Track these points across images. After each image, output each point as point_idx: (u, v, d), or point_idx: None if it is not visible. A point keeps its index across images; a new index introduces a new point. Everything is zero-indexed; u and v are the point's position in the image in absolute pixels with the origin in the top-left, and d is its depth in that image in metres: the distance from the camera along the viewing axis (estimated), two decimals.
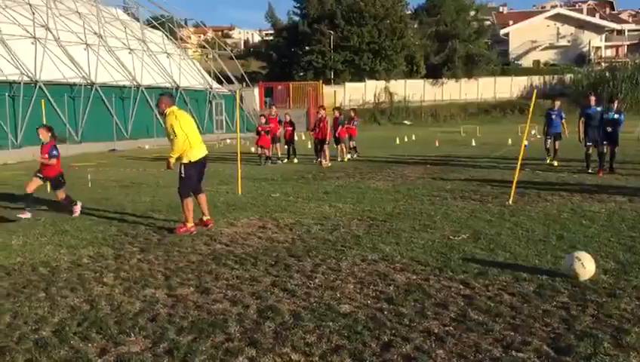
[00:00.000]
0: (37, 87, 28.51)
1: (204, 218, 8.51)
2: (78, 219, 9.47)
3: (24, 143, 26.78)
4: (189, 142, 8.08)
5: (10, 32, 29.91)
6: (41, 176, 9.99)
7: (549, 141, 16.49)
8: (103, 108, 32.59)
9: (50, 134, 9.95)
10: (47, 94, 28.01)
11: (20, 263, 6.74)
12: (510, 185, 10.37)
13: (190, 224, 8.21)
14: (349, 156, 19.88)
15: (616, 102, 14.33)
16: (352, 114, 21.30)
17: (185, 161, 8.15)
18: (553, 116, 16.40)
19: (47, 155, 9.81)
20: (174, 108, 8.25)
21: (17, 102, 27.59)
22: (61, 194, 10.01)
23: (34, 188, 9.89)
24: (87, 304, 5.22)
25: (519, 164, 10.48)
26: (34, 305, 5.23)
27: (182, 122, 8.09)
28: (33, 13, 31.41)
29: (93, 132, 31.14)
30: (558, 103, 16.93)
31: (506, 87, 61.53)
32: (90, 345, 4.31)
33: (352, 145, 20.49)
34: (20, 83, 27.93)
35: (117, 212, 10.03)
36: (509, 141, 25.28)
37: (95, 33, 35.10)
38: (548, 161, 16.15)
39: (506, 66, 69.25)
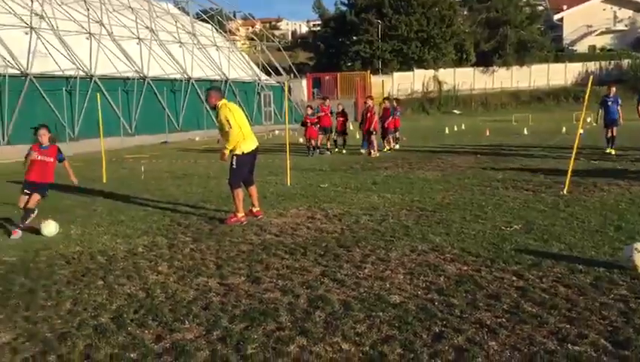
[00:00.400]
0: (92, 81, 29.38)
1: (254, 209, 8.61)
2: (133, 209, 9.73)
3: (80, 136, 27.69)
4: (243, 133, 8.22)
5: (66, 29, 30.88)
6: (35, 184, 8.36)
7: (609, 131, 15.90)
8: (155, 101, 33.37)
9: (50, 135, 8.52)
10: (102, 88, 28.85)
11: (79, 252, 6.98)
12: (564, 174, 10.10)
13: (241, 214, 8.33)
14: (397, 146, 19.75)
15: None
16: (395, 104, 20.95)
17: (237, 152, 8.26)
18: (609, 103, 15.84)
19: (55, 159, 8.48)
20: (225, 100, 8.38)
21: (74, 97, 28.52)
22: (35, 203, 8.30)
23: (35, 202, 8.34)
24: (142, 292, 5.37)
25: (574, 152, 10.17)
26: (93, 292, 5.42)
27: (235, 114, 8.22)
28: (88, 10, 32.35)
29: (145, 124, 31.93)
30: (613, 90, 16.30)
31: (559, 74, 59.75)
32: (146, 331, 4.43)
33: (397, 136, 20.33)
34: (76, 77, 28.84)
35: (170, 202, 10.26)
36: (563, 129, 24.60)
37: (147, 27, 35.89)
38: (607, 151, 15.59)
39: (560, 52, 67.14)
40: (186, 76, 36.06)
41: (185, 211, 9.37)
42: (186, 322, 4.57)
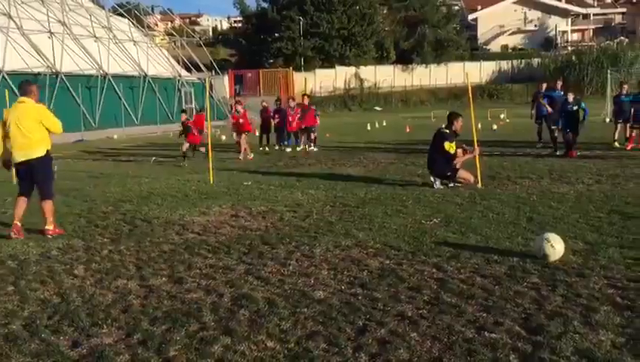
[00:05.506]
0: (0, 77, 27.81)
1: (45, 226, 7.55)
2: None
3: None
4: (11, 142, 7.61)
5: None
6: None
7: (539, 126, 16.83)
8: (69, 98, 31.95)
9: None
10: (11, 84, 27.33)
11: None
12: (481, 169, 10.49)
13: (15, 221, 7.50)
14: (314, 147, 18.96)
15: (570, 95, 14.36)
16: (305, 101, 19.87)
17: None
18: (541, 98, 16.86)
19: None
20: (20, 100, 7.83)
21: None
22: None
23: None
24: (57, 297, 5.13)
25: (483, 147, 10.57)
26: (2, 299, 5.12)
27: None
28: None
29: None
30: (544, 85, 17.26)
31: (474, 72, 61.98)
32: (61, 337, 4.24)
33: (313, 137, 19.54)
34: None
35: (86, 203, 9.87)
36: (479, 125, 25.51)
37: (59, 21, 34.31)
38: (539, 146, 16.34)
39: (475, 51, 69.79)
40: (102, 72, 34.78)
41: (102, 212, 9.04)
42: (105, 326, 4.40)
